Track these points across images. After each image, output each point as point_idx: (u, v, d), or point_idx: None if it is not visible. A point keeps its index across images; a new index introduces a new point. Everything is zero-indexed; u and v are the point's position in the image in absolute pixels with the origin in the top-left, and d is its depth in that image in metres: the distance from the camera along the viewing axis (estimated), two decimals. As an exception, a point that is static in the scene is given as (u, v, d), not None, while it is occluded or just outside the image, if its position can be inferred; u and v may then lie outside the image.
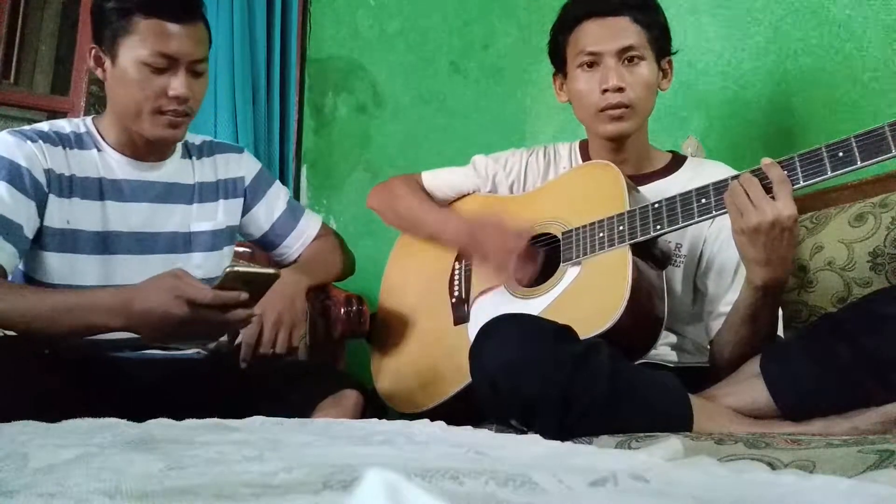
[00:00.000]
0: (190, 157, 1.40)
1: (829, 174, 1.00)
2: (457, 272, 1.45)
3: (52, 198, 1.22)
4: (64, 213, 1.23)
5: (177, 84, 1.21)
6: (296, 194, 2.37)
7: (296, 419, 0.94)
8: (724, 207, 1.07)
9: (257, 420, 0.90)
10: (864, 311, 1.00)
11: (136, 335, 1.11)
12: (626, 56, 1.29)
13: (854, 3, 1.44)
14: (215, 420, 0.89)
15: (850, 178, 1.30)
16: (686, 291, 1.31)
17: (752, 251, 1.04)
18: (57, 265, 1.23)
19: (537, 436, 0.79)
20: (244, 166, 1.47)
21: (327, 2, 2.36)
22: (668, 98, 1.65)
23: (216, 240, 1.39)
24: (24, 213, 1.18)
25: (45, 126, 1.28)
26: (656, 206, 1.17)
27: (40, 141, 1.23)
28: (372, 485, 0.30)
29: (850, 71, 1.44)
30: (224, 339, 1.45)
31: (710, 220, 1.22)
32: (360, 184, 2.26)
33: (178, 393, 1.23)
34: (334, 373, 1.43)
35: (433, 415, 1.04)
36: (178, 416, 0.90)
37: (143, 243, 1.30)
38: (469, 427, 0.89)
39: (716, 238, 1.28)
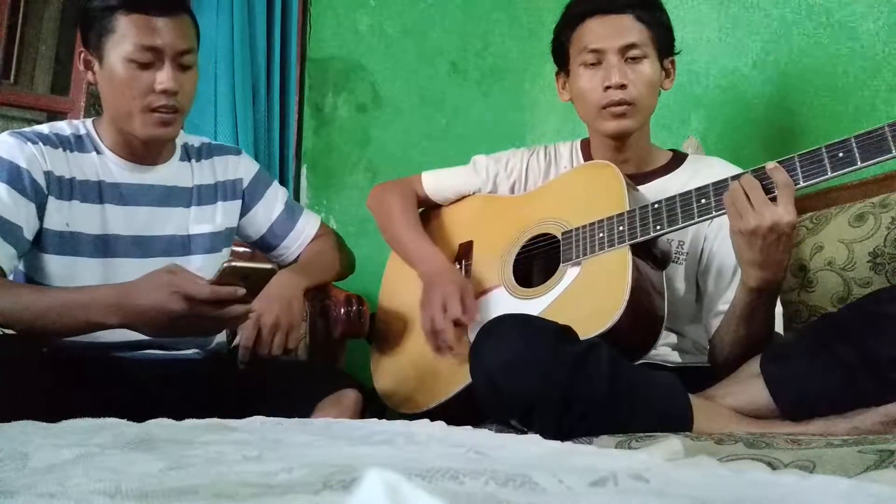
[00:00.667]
0: (189, 160, 1.40)
1: (830, 174, 1.00)
2: (457, 272, 1.45)
3: (51, 200, 1.22)
4: (63, 215, 1.23)
5: (163, 77, 1.20)
6: (296, 194, 2.37)
7: (296, 419, 0.94)
8: (724, 208, 1.07)
9: (257, 420, 0.90)
10: (864, 311, 1.00)
11: (134, 333, 1.11)
12: (629, 54, 1.29)
13: (854, 3, 1.44)
14: (215, 420, 0.89)
15: (850, 178, 1.30)
16: (689, 289, 1.31)
17: (749, 253, 1.04)
18: (57, 268, 1.23)
19: (537, 436, 0.79)
20: (242, 168, 1.47)
21: (327, 2, 2.36)
22: (668, 98, 1.65)
23: (215, 242, 1.39)
24: (23, 215, 1.18)
25: (45, 128, 1.27)
26: (656, 206, 1.17)
27: (40, 143, 1.23)
28: (372, 485, 0.29)
29: (850, 71, 1.44)
30: (222, 339, 1.45)
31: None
32: (360, 184, 2.26)
33: (177, 393, 1.23)
34: (334, 372, 1.43)
35: (433, 415, 1.04)
36: (178, 416, 0.90)
37: (143, 246, 1.30)
38: (469, 427, 0.88)
39: (715, 236, 1.28)
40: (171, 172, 1.36)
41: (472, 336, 1.13)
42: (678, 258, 1.29)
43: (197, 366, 1.36)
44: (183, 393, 1.23)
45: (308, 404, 1.19)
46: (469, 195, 1.53)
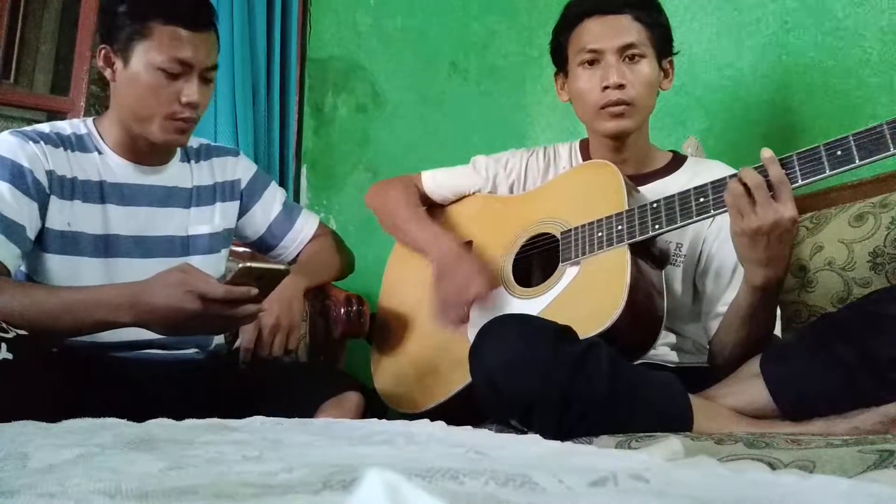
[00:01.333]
0: (189, 161, 1.40)
1: (828, 173, 1.00)
2: (457, 272, 1.45)
3: (53, 199, 1.22)
4: (65, 215, 1.23)
5: (190, 91, 1.22)
6: (296, 194, 2.37)
7: (296, 419, 0.94)
8: (723, 206, 1.07)
9: (257, 420, 0.90)
10: (864, 311, 1.00)
11: (134, 333, 1.11)
12: (627, 53, 1.29)
13: (854, 3, 1.44)
14: (215, 420, 0.89)
15: (849, 178, 1.30)
16: (686, 291, 1.31)
17: (752, 252, 1.04)
18: (58, 267, 1.23)
19: (537, 436, 0.79)
20: (241, 169, 1.47)
21: (327, 2, 2.36)
22: (668, 98, 1.65)
23: (213, 242, 1.39)
24: (26, 214, 1.18)
25: (46, 127, 1.27)
26: (655, 205, 1.17)
27: (42, 142, 1.23)
28: (372, 485, 0.29)
29: (850, 71, 1.44)
30: (221, 340, 1.45)
31: (710, 220, 1.22)
32: (360, 184, 2.26)
33: (177, 393, 1.23)
34: (336, 374, 1.43)
35: (433, 415, 1.04)
36: (178, 416, 0.90)
37: (143, 247, 1.30)
38: (469, 427, 0.88)
39: (715, 237, 1.28)
40: (172, 173, 1.36)
41: (472, 336, 1.13)
42: (676, 260, 1.29)
43: (197, 366, 1.36)
44: (183, 393, 1.23)
45: (310, 406, 1.19)
46: (468, 195, 1.53)
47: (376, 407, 1.32)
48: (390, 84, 2.36)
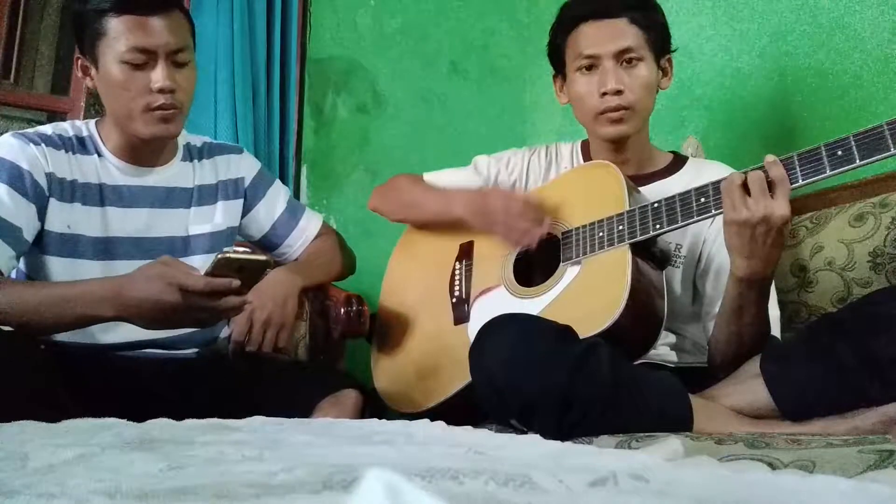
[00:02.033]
0: (191, 160, 1.40)
1: (829, 173, 1.00)
2: (457, 272, 1.45)
3: (52, 202, 1.22)
4: (65, 217, 1.23)
5: (158, 76, 1.20)
6: (296, 194, 2.36)
7: (296, 419, 0.94)
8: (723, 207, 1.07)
9: (257, 420, 0.90)
10: (864, 311, 1.00)
11: (134, 333, 1.11)
12: (625, 58, 1.29)
13: (854, 3, 1.44)
14: (215, 420, 0.89)
15: (850, 178, 1.30)
16: (685, 292, 1.31)
17: (737, 242, 1.05)
18: (58, 269, 1.23)
19: (537, 436, 0.79)
20: (244, 167, 1.47)
21: (327, 2, 2.36)
22: (668, 98, 1.65)
23: (215, 242, 1.39)
24: (23, 216, 1.18)
25: (48, 129, 1.27)
26: (656, 205, 1.17)
27: (43, 144, 1.22)
28: (372, 485, 0.30)
29: (850, 71, 1.44)
30: (223, 337, 1.45)
31: (710, 221, 1.22)
32: (360, 184, 2.26)
33: (178, 393, 1.23)
34: (334, 372, 1.43)
35: (433, 415, 1.04)
36: (178, 416, 0.90)
37: (143, 248, 1.30)
38: (469, 427, 0.88)
39: (714, 239, 1.28)
40: (173, 173, 1.36)
41: (472, 336, 1.13)
42: (675, 261, 1.29)
43: (197, 365, 1.36)
44: (183, 393, 1.23)
45: (308, 404, 1.19)
46: (469, 194, 1.53)
47: (376, 407, 1.32)
48: (390, 84, 2.36)
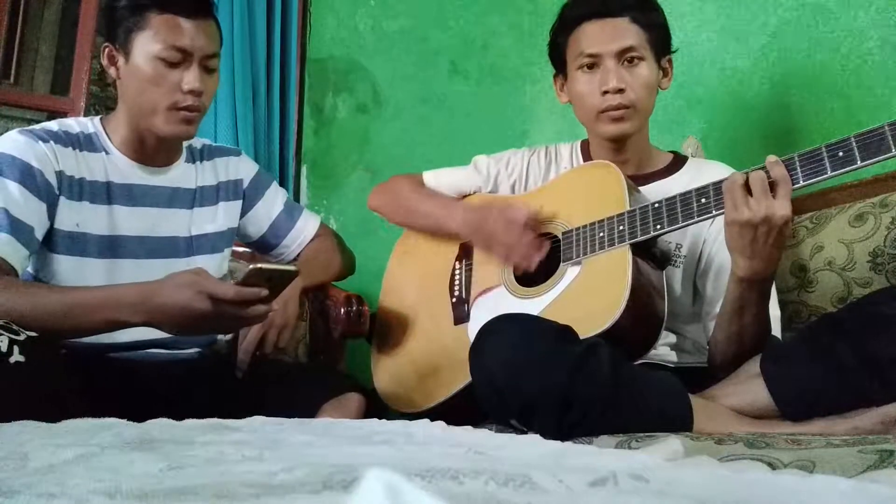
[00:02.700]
0: (193, 161, 1.40)
1: (830, 173, 1.00)
2: (457, 272, 1.45)
3: (62, 200, 1.22)
4: (73, 215, 1.23)
5: (190, 78, 1.22)
6: (296, 194, 2.37)
7: (296, 419, 0.94)
8: (724, 207, 1.07)
9: (257, 420, 0.90)
10: (864, 311, 1.00)
11: (134, 333, 1.11)
12: (626, 57, 1.29)
13: (854, 3, 1.44)
14: (215, 420, 0.89)
15: (850, 178, 1.30)
16: (686, 292, 1.31)
17: (739, 242, 1.05)
18: (65, 268, 1.23)
19: (537, 436, 0.79)
20: (243, 168, 1.47)
21: (327, 2, 2.36)
22: (668, 98, 1.65)
23: (216, 242, 1.39)
24: (35, 215, 1.18)
25: (54, 126, 1.27)
26: (656, 205, 1.17)
27: (51, 141, 1.22)
28: (372, 485, 0.30)
29: (850, 71, 1.44)
30: (223, 339, 1.45)
31: (711, 221, 1.22)
32: (360, 184, 2.26)
33: (178, 393, 1.23)
34: (337, 375, 1.43)
35: (433, 415, 1.04)
36: (179, 416, 0.90)
37: (147, 247, 1.30)
38: (469, 427, 0.88)
39: (715, 239, 1.28)
40: (177, 174, 1.36)
41: (472, 336, 1.13)
42: (676, 261, 1.29)
43: (197, 366, 1.36)
44: (184, 393, 1.23)
45: (311, 407, 1.19)
46: (470, 194, 1.53)
47: (376, 407, 1.32)
48: (390, 84, 2.36)
